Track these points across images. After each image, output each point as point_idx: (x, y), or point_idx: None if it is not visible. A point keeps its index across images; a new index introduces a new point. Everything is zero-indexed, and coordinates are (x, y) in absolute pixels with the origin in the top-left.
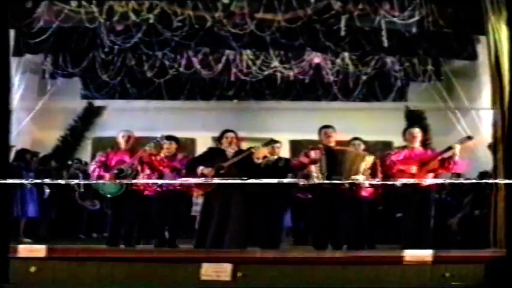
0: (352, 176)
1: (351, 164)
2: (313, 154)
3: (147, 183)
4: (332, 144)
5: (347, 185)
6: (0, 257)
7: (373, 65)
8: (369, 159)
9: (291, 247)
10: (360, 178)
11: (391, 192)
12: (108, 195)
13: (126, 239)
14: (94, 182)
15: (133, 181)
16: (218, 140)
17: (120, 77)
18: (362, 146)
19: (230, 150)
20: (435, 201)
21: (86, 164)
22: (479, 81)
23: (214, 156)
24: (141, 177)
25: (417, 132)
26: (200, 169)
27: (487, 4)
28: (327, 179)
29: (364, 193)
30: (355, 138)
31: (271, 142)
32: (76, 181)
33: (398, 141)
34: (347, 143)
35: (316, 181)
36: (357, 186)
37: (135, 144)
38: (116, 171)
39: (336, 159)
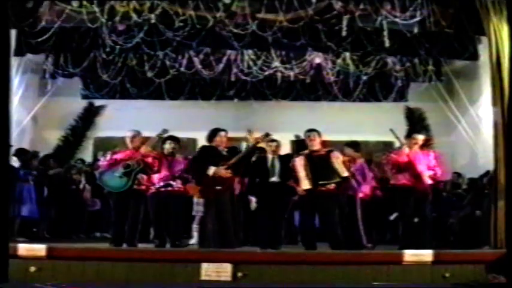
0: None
1: (331, 165)
2: (297, 161)
3: (150, 183)
4: (316, 147)
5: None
6: None
7: (373, 65)
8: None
9: (290, 247)
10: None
11: (389, 192)
12: (114, 190)
13: (128, 239)
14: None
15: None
16: (209, 138)
17: (120, 77)
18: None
19: (223, 148)
20: (436, 201)
21: (89, 164)
22: (480, 82)
23: (210, 155)
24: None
25: (419, 138)
26: (212, 170)
27: (488, 5)
28: (312, 183)
29: (360, 194)
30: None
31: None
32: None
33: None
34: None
35: (304, 187)
36: (342, 186)
37: (140, 143)
38: (124, 167)
39: (317, 163)
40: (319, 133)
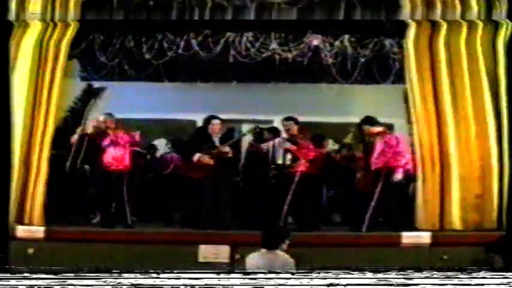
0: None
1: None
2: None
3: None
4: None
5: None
6: None
7: (371, 48)
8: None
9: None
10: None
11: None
12: None
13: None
14: None
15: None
16: (205, 123)
17: (118, 59)
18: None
19: (216, 135)
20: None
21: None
22: None
23: (202, 141)
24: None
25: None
26: (197, 156)
27: None
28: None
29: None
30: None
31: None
32: None
33: (398, 123)
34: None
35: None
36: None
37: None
38: None
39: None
40: (296, 121)
